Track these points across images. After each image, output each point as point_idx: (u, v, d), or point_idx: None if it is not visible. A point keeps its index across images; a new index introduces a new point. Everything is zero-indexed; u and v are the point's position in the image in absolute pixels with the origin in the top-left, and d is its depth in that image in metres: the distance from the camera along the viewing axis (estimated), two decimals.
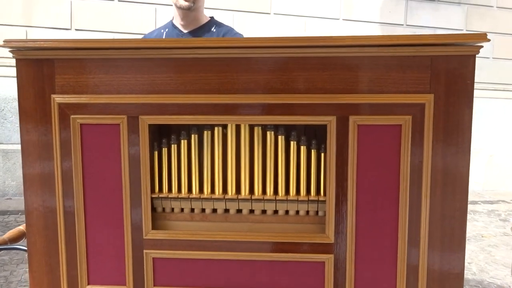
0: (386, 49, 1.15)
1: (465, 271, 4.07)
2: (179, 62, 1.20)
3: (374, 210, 1.22)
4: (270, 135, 1.25)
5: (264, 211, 1.29)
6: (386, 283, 1.24)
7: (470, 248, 4.62)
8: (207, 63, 1.20)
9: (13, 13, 5.28)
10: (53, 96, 1.23)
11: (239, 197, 1.27)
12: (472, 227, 5.41)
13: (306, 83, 1.18)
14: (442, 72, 1.15)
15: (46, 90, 1.24)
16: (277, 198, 1.26)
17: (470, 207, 6.08)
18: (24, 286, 3.48)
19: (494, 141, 7.04)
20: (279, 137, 1.25)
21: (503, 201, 6.69)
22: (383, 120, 1.17)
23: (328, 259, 1.24)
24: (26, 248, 1.54)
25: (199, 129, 1.27)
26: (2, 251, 1.58)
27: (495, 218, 5.81)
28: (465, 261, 3.89)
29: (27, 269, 3.99)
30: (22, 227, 1.69)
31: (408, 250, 1.22)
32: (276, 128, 1.25)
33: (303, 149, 1.25)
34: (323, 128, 1.21)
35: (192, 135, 1.27)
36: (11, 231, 1.66)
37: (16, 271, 3.74)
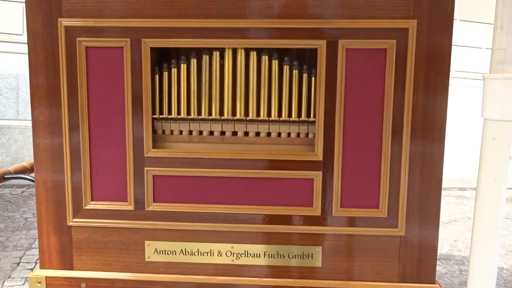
0: None
1: (452, 248, 4.17)
2: None
3: (360, 129, 1.31)
4: (264, 59, 1.33)
5: (258, 134, 1.37)
6: (370, 198, 1.33)
7: (457, 228, 4.76)
8: None
9: None
10: (60, 19, 1.30)
11: (235, 118, 1.35)
12: (460, 210, 5.55)
13: (298, 9, 1.27)
14: None
15: (53, 14, 1.31)
16: (270, 119, 1.35)
17: (459, 193, 6.22)
18: (20, 250, 3.55)
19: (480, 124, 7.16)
20: (273, 61, 1.33)
21: None
22: (369, 44, 1.26)
23: (317, 175, 1.33)
24: (30, 178, 1.62)
25: (198, 53, 1.35)
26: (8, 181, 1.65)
27: None
28: (452, 239, 3.97)
29: (23, 236, 4.01)
30: (25, 163, 1.76)
31: (391, 168, 1.31)
32: (270, 53, 1.33)
33: (295, 73, 1.34)
34: (313, 54, 1.30)
35: (192, 60, 1.35)
36: (15, 165, 1.73)
37: (12, 237, 3.80)
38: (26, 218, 4.26)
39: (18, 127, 5.58)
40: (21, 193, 4.99)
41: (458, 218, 5.23)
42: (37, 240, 3.82)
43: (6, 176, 1.61)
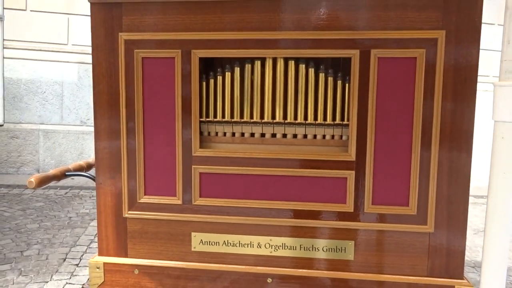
0: None
1: (480, 254, 4.12)
2: (226, 4, 1.42)
3: (391, 132, 1.40)
4: (301, 68, 1.45)
5: (295, 135, 1.49)
6: (400, 196, 1.42)
7: None
8: (249, 4, 1.41)
9: (57, 2, 5.73)
10: (120, 34, 1.47)
11: (274, 121, 1.48)
12: None
13: (334, 22, 1.39)
14: (453, 11, 1.33)
15: (114, 29, 1.48)
16: (306, 122, 1.47)
17: (485, 200, 6.13)
18: (66, 247, 3.78)
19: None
20: (310, 69, 1.45)
21: None
22: (400, 53, 1.36)
23: (350, 174, 1.43)
24: (87, 175, 1.80)
25: (241, 62, 1.48)
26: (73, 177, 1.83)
27: None
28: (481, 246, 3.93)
29: (68, 234, 4.26)
30: (82, 162, 1.94)
31: (420, 169, 1.40)
32: (307, 62, 1.45)
33: (330, 80, 1.45)
34: (347, 62, 1.41)
35: (235, 68, 1.49)
36: (73, 163, 1.91)
37: (58, 235, 4.05)
38: (70, 217, 4.52)
39: (62, 132, 5.91)
40: (65, 194, 5.28)
41: None
42: (81, 238, 4.07)
43: (67, 173, 1.78)
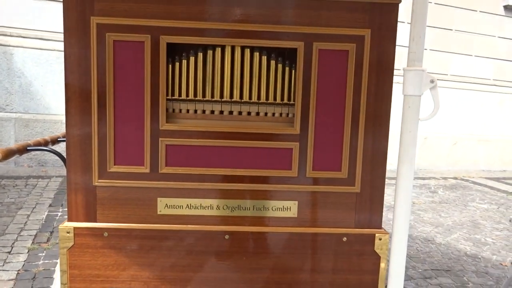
0: None
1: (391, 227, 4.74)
2: None
3: (328, 110, 1.72)
4: (256, 55, 1.71)
5: (249, 113, 1.75)
6: (334, 163, 1.75)
7: None
8: None
9: None
10: (92, 17, 1.61)
11: (232, 100, 1.72)
12: None
13: (283, 17, 1.67)
14: (377, 14, 1.68)
15: (86, 13, 1.61)
16: (259, 102, 1.73)
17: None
18: None
19: (427, 125, 7.92)
20: (263, 57, 1.72)
21: (434, 177, 7.69)
22: (336, 46, 1.68)
23: (295, 145, 1.73)
24: (48, 149, 1.90)
25: (204, 49, 1.70)
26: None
27: (425, 190, 6.69)
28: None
29: None
30: (40, 139, 2.03)
31: (351, 141, 1.73)
32: (261, 51, 1.72)
33: (279, 66, 1.73)
34: (294, 52, 1.69)
35: (199, 53, 1.70)
36: (33, 140, 1.99)
37: None
38: None
39: None
40: None
41: None
42: (9, 226, 3.98)
43: (28, 148, 1.87)
